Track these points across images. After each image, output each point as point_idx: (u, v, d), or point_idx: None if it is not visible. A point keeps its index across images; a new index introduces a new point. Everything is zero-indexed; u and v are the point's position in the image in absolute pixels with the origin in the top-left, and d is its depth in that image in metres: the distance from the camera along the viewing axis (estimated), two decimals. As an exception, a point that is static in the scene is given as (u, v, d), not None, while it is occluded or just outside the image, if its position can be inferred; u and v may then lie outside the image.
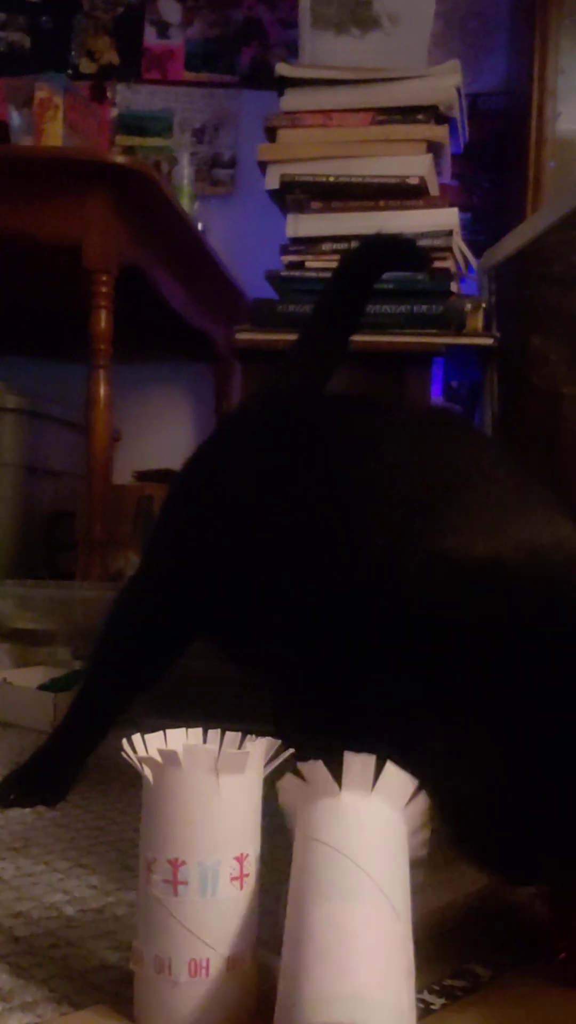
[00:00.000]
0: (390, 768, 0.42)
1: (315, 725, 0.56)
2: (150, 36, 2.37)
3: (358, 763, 0.42)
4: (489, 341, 1.49)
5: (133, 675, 0.80)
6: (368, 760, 0.42)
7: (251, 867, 0.44)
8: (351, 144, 1.44)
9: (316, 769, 0.43)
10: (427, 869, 0.48)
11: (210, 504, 0.73)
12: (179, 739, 0.47)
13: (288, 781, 0.44)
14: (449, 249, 1.42)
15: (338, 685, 0.52)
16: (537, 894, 0.55)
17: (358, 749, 0.43)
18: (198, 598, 0.72)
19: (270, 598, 0.61)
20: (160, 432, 2.29)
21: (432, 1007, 0.46)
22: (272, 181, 1.46)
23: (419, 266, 1.22)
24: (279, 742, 0.46)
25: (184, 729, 0.47)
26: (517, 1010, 0.46)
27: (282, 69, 1.47)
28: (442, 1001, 0.46)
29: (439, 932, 0.53)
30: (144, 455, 2.18)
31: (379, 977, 0.36)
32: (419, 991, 0.47)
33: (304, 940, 0.38)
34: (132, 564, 1.43)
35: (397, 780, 0.43)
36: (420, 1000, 0.46)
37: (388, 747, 0.43)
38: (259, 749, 0.45)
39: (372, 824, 0.41)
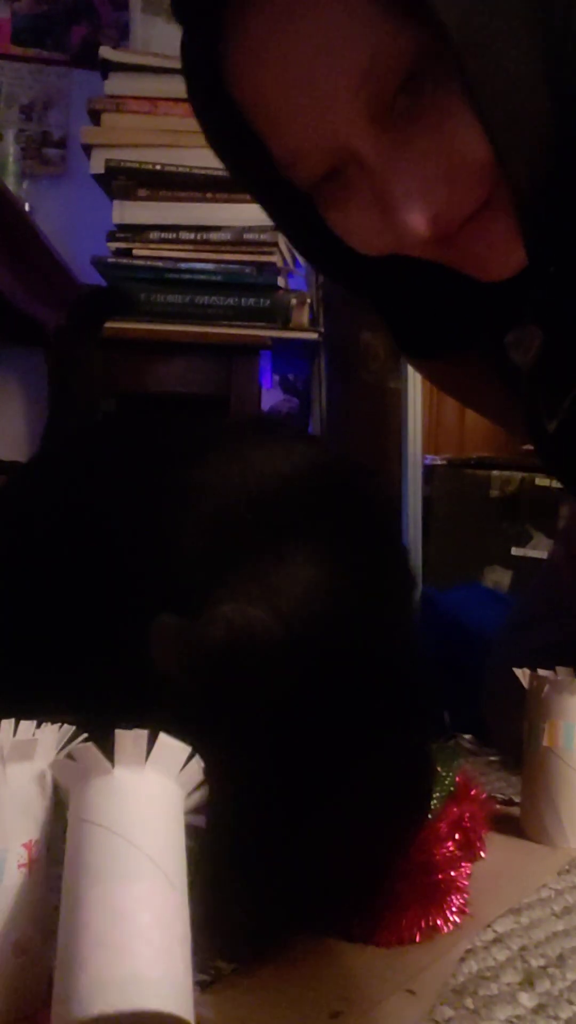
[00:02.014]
0: (163, 738, 0.42)
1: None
2: (-27, 5, 2.26)
3: (130, 738, 0.42)
4: (314, 335, 1.54)
5: None
6: (140, 734, 0.42)
7: (40, 853, 0.44)
8: (177, 133, 1.44)
9: (86, 748, 0.43)
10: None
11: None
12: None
13: (59, 762, 0.43)
14: (275, 244, 1.45)
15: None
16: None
17: None
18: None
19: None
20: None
21: (223, 972, 0.48)
22: (97, 165, 1.44)
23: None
24: (72, 728, 0.47)
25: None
26: (302, 968, 0.49)
27: (105, 52, 1.45)
28: (232, 966, 0.49)
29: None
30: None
31: (154, 954, 0.37)
32: (211, 959, 0.49)
33: (79, 926, 0.38)
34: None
35: (170, 748, 0.43)
36: (212, 967, 0.48)
37: None
38: (49, 736, 0.45)
39: (145, 797, 0.41)
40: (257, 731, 0.46)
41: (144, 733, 0.41)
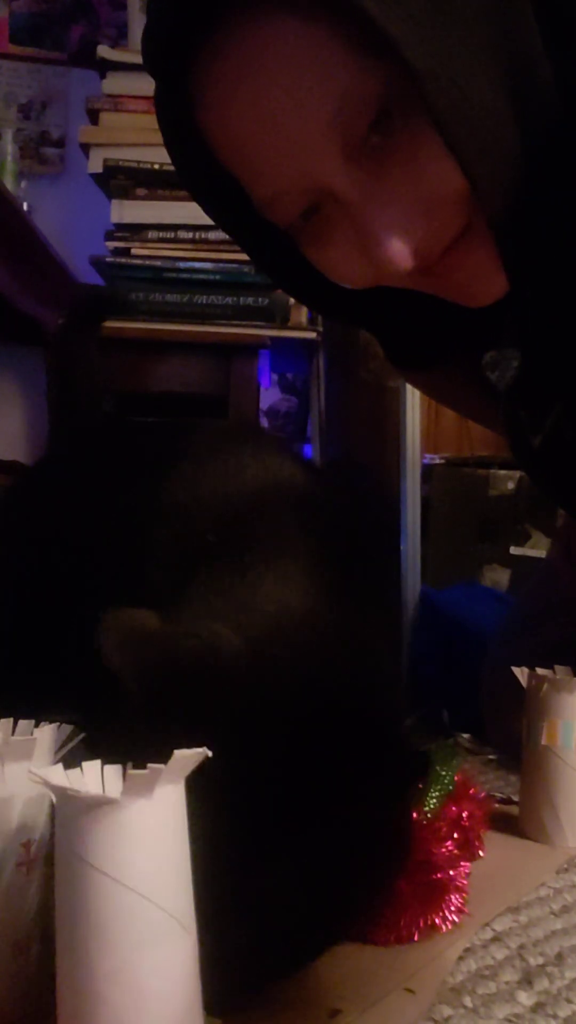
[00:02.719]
0: (177, 753, 0.38)
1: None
2: (-29, 4, 2.26)
3: (142, 776, 0.37)
4: (313, 334, 1.54)
5: None
6: (156, 770, 0.37)
7: (39, 852, 0.44)
8: (175, 133, 1.44)
9: (90, 772, 0.40)
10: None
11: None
12: (-34, 730, 0.46)
13: (61, 791, 0.37)
14: (274, 243, 1.45)
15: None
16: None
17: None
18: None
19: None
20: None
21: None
22: (95, 164, 1.44)
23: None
24: (71, 728, 0.47)
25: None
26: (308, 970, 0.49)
27: (104, 52, 1.44)
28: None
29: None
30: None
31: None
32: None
33: (93, 999, 0.36)
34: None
35: (183, 758, 0.38)
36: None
37: None
38: (47, 736, 0.45)
39: (155, 829, 0.37)
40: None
41: (160, 768, 0.37)
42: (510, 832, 0.71)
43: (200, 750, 0.38)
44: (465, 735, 1.03)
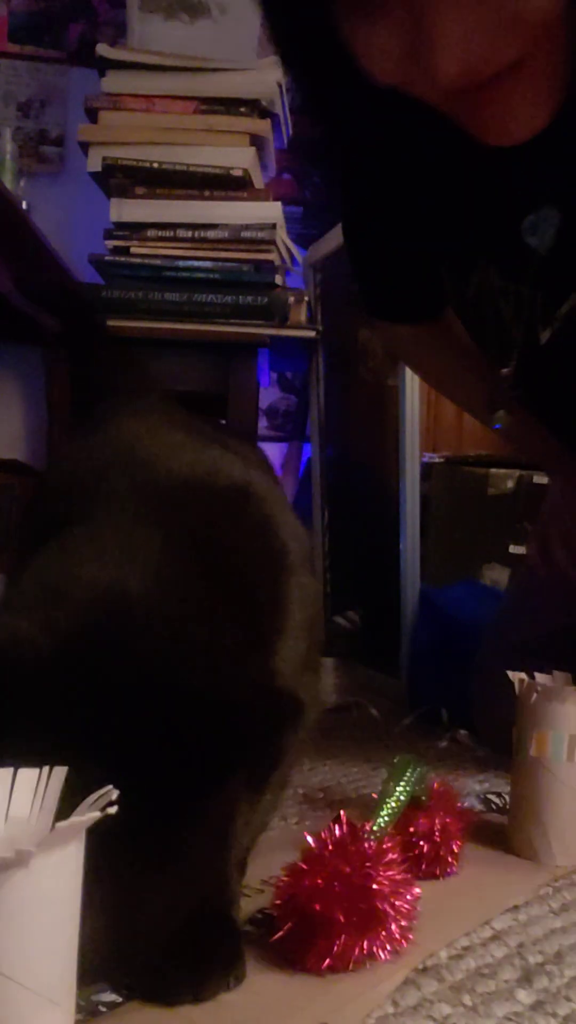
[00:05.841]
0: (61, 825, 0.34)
1: None
2: (-30, 2, 2.26)
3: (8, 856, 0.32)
4: (312, 333, 1.54)
5: None
6: (23, 851, 0.32)
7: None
8: (174, 131, 1.43)
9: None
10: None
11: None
12: None
13: None
14: (273, 242, 1.45)
15: None
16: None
17: None
18: None
19: None
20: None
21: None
22: (94, 163, 1.44)
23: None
24: None
25: None
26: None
27: (103, 50, 1.44)
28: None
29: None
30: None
31: None
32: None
33: None
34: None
35: (75, 822, 0.34)
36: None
37: None
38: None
39: (32, 904, 0.33)
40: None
41: (28, 851, 0.32)
42: (497, 846, 0.68)
43: (95, 814, 0.34)
44: (463, 732, 1.03)
